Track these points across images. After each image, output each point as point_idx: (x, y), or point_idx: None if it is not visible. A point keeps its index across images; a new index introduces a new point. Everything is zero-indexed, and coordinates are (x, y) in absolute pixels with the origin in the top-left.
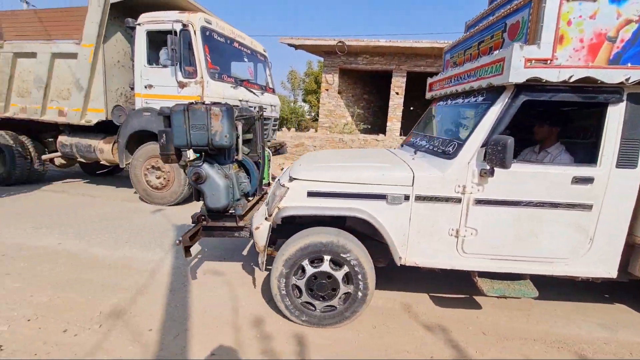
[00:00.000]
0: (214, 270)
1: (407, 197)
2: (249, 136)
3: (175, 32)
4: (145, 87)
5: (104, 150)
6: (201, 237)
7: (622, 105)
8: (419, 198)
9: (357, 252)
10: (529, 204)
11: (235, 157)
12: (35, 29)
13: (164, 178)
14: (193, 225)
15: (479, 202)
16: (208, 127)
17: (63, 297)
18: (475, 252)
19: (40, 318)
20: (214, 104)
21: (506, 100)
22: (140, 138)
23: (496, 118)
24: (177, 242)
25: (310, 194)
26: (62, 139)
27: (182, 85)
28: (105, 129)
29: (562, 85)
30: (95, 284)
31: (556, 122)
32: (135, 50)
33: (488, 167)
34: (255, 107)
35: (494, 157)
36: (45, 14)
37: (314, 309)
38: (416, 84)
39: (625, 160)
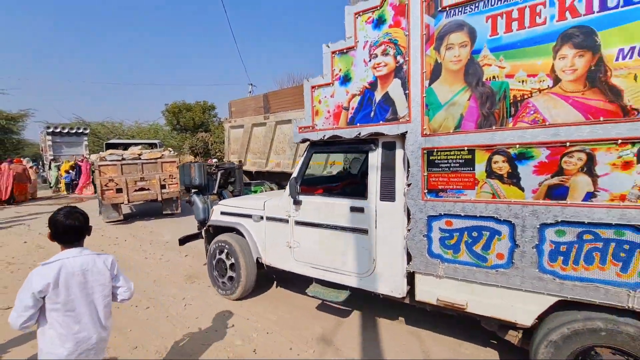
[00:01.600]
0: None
1: (262, 218)
2: (232, 179)
3: None
4: None
5: None
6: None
7: (378, 152)
8: (269, 219)
9: (237, 249)
10: (327, 226)
11: (214, 191)
12: (291, 102)
13: None
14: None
15: (297, 223)
16: (190, 175)
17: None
18: (302, 261)
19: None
20: (193, 162)
21: (305, 152)
22: None
23: (302, 163)
24: (179, 241)
25: (222, 213)
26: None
27: None
28: None
29: (338, 138)
30: None
31: None
32: None
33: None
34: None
35: (290, 190)
36: (298, 89)
37: (219, 282)
38: None
39: (385, 195)
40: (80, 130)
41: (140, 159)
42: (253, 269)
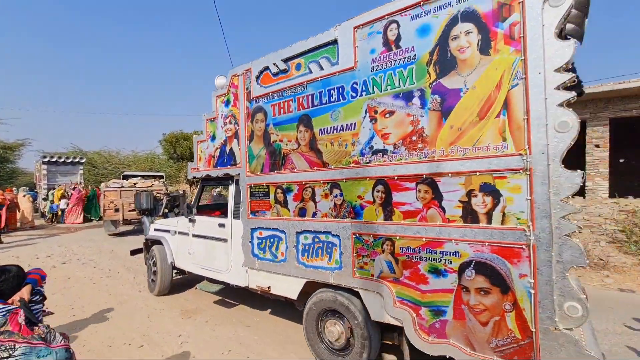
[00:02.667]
0: None
1: (174, 233)
2: (177, 203)
3: None
4: None
5: None
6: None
7: (233, 186)
8: (179, 232)
9: (158, 256)
10: (207, 237)
11: (159, 213)
12: None
13: None
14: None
15: (193, 235)
16: (140, 201)
17: None
18: (196, 263)
19: None
20: (144, 190)
21: (199, 185)
22: None
23: (197, 193)
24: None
25: (154, 230)
26: None
27: None
28: None
29: (210, 177)
30: None
31: None
32: None
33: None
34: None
35: (185, 213)
36: None
37: (149, 282)
38: (625, 130)
39: (236, 214)
40: (77, 160)
41: (135, 187)
42: (168, 271)
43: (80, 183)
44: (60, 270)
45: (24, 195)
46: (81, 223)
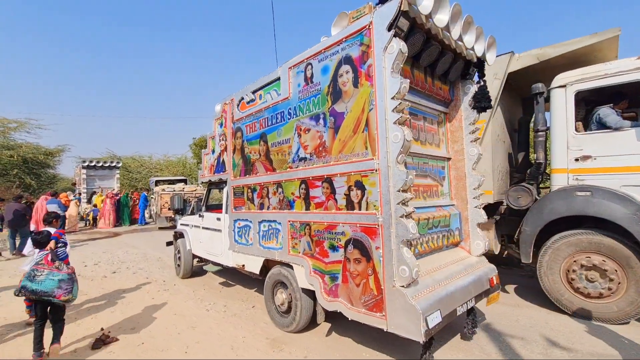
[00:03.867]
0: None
1: (191, 226)
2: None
3: None
4: (577, 159)
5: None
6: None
7: (226, 188)
8: (194, 226)
9: (181, 242)
10: (211, 229)
11: (188, 213)
12: None
13: (609, 281)
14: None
15: (202, 227)
16: (173, 202)
17: None
18: (205, 250)
19: None
20: (176, 194)
21: (206, 188)
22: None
23: (205, 194)
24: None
25: (180, 224)
26: None
27: None
28: None
29: (212, 181)
30: None
31: None
32: (554, 117)
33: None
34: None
35: (195, 209)
36: None
37: (176, 268)
38: None
39: (227, 210)
40: (114, 164)
41: (183, 190)
42: (189, 257)
43: (113, 189)
44: (112, 281)
45: (72, 200)
46: (114, 227)
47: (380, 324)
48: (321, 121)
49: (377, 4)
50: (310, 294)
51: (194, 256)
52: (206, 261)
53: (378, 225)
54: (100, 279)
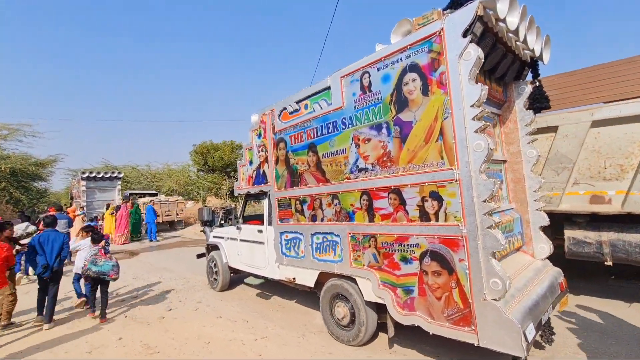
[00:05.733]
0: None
1: (227, 238)
2: (231, 216)
3: None
4: None
5: None
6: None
7: (267, 200)
8: (230, 238)
9: (217, 255)
10: (251, 241)
11: (216, 224)
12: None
13: None
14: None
15: (240, 240)
16: (202, 214)
17: None
18: (243, 263)
19: None
20: (205, 206)
21: (243, 200)
22: None
23: (242, 207)
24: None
25: (213, 237)
26: (576, 233)
27: None
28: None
29: (251, 193)
30: None
31: None
32: None
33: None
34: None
35: (234, 222)
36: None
37: (210, 280)
38: None
39: (269, 222)
40: (115, 175)
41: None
42: (226, 270)
43: (113, 200)
44: (176, 324)
45: (77, 215)
46: (128, 243)
47: (469, 339)
48: (384, 130)
49: (446, 9)
50: (374, 306)
51: (231, 269)
52: (238, 271)
53: (461, 237)
54: (158, 322)
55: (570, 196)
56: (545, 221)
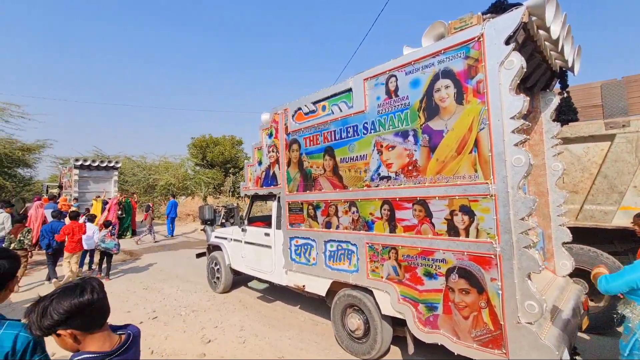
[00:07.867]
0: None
1: (230, 240)
2: (232, 215)
3: None
4: None
5: None
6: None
7: (275, 202)
8: (234, 240)
9: (219, 256)
10: (256, 244)
11: (218, 223)
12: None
13: None
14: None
15: (245, 242)
16: (202, 213)
17: None
18: (248, 266)
19: None
20: (206, 204)
21: (250, 200)
22: None
23: (248, 208)
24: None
25: (215, 237)
26: None
27: None
28: None
29: (258, 194)
30: None
31: None
32: None
33: (242, 227)
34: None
35: (239, 223)
36: None
37: (211, 282)
38: None
39: (278, 225)
40: (112, 164)
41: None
42: (229, 272)
43: (106, 191)
44: None
45: (73, 207)
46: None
47: None
48: (410, 138)
49: (485, 14)
50: (390, 320)
51: (233, 271)
52: (239, 272)
53: (494, 256)
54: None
55: (626, 211)
56: (568, 237)
